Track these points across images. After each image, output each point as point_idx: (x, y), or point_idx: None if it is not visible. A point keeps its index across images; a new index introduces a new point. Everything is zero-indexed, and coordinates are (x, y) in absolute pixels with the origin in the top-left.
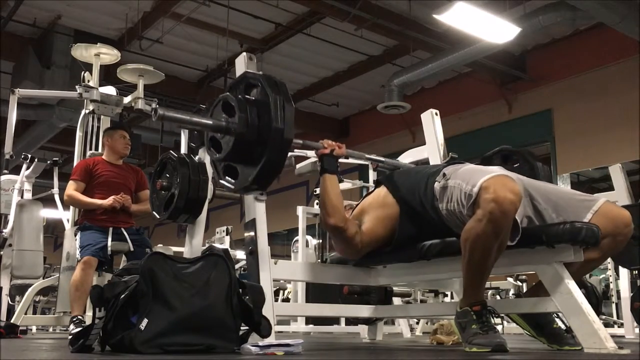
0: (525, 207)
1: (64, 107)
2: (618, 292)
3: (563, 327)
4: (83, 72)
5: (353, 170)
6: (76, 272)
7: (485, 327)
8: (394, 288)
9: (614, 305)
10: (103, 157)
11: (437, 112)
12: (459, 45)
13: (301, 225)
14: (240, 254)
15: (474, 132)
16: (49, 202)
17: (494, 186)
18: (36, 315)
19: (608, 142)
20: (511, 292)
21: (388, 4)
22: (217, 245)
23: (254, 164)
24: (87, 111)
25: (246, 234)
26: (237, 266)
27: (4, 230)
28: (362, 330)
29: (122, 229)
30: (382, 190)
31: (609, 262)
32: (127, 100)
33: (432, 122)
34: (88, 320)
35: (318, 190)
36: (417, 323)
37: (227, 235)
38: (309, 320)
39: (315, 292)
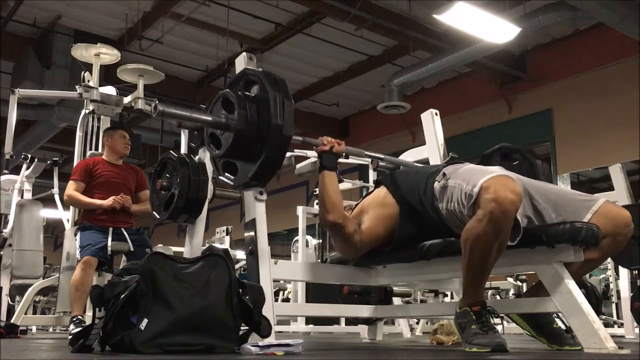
0: (524, 207)
1: (64, 107)
2: (618, 292)
3: (563, 327)
4: (83, 72)
5: (353, 170)
6: (76, 272)
7: (485, 327)
8: (394, 288)
9: (614, 305)
10: (103, 157)
11: (437, 112)
12: (459, 45)
13: (301, 225)
14: (240, 254)
15: (474, 132)
16: (49, 202)
17: (494, 186)
18: (36, 315)
19: (608, 142)
20: (511, 292)
21: (388, 4)
22: (217, 245)
23: (253, 161)
24: (87, 111)
25: (246, 234)
26: (237, 266)
27: (4, 230)
28: (362, 330)
29: (122, 229)
30: (382, 190)
31: (609, 262)
32: (127, 100)
33: (432, 122)
34: (88, 320)
35: (318, 191)
36: (417, 323)
37: (227, 235)
38: (309, 320)
39: (315, 292)
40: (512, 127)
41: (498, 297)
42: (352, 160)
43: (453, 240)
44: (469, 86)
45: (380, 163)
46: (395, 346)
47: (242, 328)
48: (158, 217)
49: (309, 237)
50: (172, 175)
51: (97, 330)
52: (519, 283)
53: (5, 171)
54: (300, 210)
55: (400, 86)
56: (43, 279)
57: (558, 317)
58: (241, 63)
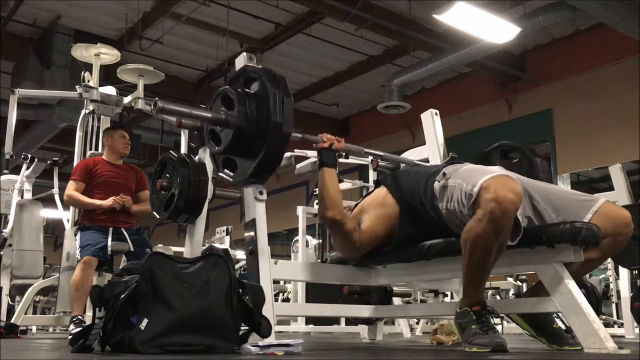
0: (524, 208)
1: (64, 107)
2: (618, 292)
3: (563, 327)
4: (83, 72)
5: (353, 170)
6: (76, 272)
7: (485, 327)
8: (394, 288)
9: (614, 305)
10: (103, 157)
11: (437, 112)
12: (459, 45)
13: (301, 225)
14: (240, 254)
15: (474, 132)
16: (49, 202)
17: (494, 186)
18: (36, 315)
19: (608, 142)
20: (511, 292)
21: (388, 4)
22: (217, 245)
23: (252, 157)
24: (87, 111)
25: (246, 234)
26: (237, 266)
27: (4, 230)
28: (362, 330)
29: (122, 229)
30: (382, 190)
31: (609, 262)
32: (127, 100)
33: (432, 122)
34: (88, 320)
35: (317, 188)
36: (417, 323)
37: (227, 235)
38: (309, 320)
39: (315, 292)
40: (512, 127)
41: (498, 297)
42: (352, 160)
43: (453, 240)
44: (469, 86)
45: (380, 162)
46: (395, 346)
47: (242, 328)
48: (158, 217)
49: (309, 237)
50: (172, 175)
51: (97, 330)
52: (519, 283)
53: (5, 171)
54: (300, 210)
55: (400, 86)
56: (43, 279)
57: (558, 317)
58: (241, 63)
